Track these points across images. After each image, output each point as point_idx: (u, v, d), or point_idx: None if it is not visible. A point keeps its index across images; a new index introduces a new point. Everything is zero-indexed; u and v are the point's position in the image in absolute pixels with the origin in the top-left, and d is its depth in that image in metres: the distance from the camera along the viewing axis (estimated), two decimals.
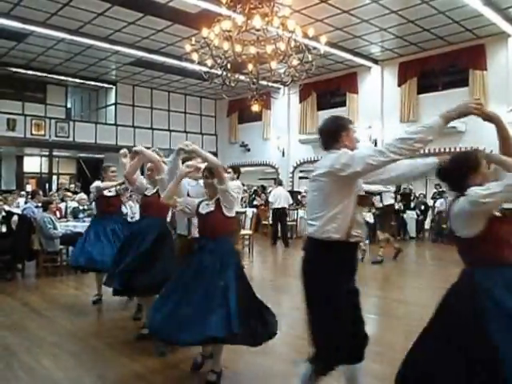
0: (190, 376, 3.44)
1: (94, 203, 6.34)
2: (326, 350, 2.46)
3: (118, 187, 5.61)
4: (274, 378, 3.49)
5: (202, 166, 3.52)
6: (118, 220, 5.72)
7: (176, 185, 3.44)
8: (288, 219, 12.43)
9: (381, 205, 8.63)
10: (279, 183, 12.19)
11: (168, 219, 4.58)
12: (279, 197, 11.34)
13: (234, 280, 3.14)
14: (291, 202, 11.91)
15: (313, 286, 2.48)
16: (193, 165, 3.55)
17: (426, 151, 10.68)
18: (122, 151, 4.83)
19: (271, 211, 11.74)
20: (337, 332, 2.42)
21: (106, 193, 5.55)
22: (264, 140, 17.70)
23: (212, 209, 3.32)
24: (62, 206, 9.48)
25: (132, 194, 7.22)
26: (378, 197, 8.44)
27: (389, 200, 8.71)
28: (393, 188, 8.81)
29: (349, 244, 2.49)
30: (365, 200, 2.81)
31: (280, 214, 11.35)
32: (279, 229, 11.55)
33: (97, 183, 5.58)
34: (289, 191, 14.94)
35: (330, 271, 2.43)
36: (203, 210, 3.36)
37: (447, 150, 11.82)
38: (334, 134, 2.58)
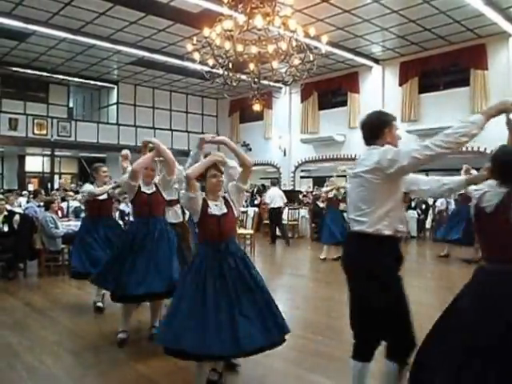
0: (194, 378, 3.42)
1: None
2: (404, 339, 2.46)
3: (111, 191, 5.39)
4: (274, 377, 3.50)
5: (230, 162, 3.30)
6: (110, 222, 5.62)
7: (203, 168, 3.09)
8: (289, 218, 12.71)
9: None
10: (273, 184, 12.36)
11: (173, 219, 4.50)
12: (274, 197, 11.56)
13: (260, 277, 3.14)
14: (285, 200, 12.05)
15: (371, 282, 2.44)
16: (221, 155, 3.22)
17: None
18: (123, 152, 4.61)
19: (268, 211, 11.93)
20: (409, 319, 2.49)
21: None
22: (265, 139, 17.72)
23: (225, 210, 3.11)
24: (64, 205, 9.52)
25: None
26: None
27: None
28: None
29: (395, 238, 2.54)
30: (406, 196, 2.83)
31: (276, 214, 11.55)
32: (278, 228, 11.73)
33: (90, 188, 5.33)
34: (290, 191, 14.97)
35: (386, 263, 2.47)
36: (216, 211, 3.08)
37: None
38: (376, 130, 2.56)
